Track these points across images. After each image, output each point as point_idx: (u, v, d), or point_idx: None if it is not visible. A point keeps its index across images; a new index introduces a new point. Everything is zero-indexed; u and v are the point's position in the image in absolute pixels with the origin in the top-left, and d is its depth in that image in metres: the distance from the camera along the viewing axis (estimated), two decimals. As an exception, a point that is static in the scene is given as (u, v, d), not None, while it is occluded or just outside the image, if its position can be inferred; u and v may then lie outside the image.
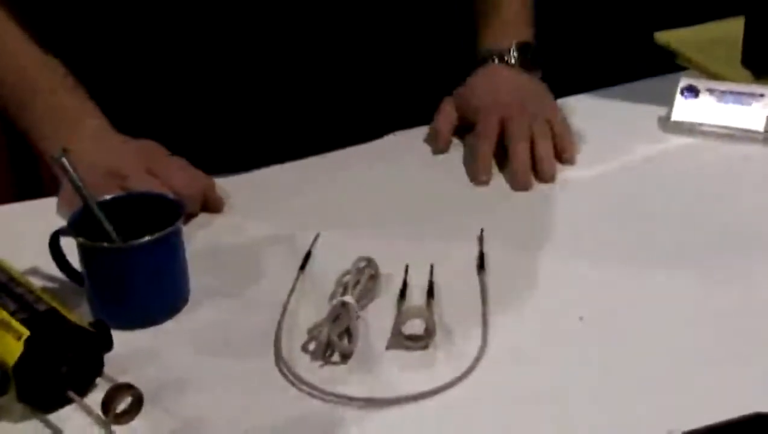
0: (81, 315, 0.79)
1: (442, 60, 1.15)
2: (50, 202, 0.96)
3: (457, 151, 1.06)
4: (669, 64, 1.19)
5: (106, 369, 0.74)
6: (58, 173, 0.83)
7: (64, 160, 0.80)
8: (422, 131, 1.09)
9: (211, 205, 0.96)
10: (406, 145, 1.07)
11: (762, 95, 1.03)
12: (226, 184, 0.99)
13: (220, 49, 1.04)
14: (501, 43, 1.10)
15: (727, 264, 0.86)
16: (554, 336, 0.79)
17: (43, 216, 0.92)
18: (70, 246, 0.81)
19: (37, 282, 0.84)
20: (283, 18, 1.03)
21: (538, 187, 0.99)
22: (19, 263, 0.83)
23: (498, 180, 1.00)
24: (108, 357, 0.75)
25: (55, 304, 0.75)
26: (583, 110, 1.10)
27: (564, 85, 1.13)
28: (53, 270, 0.84)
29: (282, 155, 1.04)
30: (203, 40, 1.03)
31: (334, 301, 0.80)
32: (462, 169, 1.02)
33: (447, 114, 1.07)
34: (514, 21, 1.13)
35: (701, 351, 0.76)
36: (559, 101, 1.10)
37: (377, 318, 0.80)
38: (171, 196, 0.85)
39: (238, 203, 0.98)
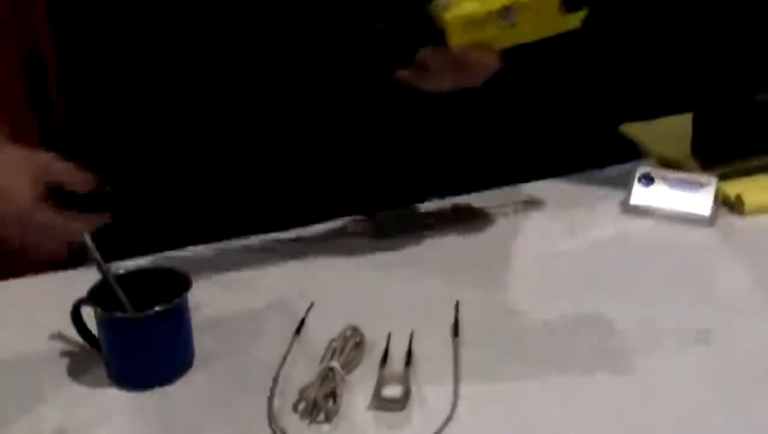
0: (98, 376, 0.79)
1: (430, 147, 1.14)
2: (77, 274, 0.94)
3: (438, 232, 1.04)
4: (633, 152, 1.18)
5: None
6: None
7: (87, 239, 0.80)
8: (408, 209, 1.08)
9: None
10: (394, 220, 1.06)
11: (708, 184, 1.03)
12: (228, 252, 0.98)
13: (226, 132, 1.02)
14: None
15: (679, 329, 0.85)
16: (519, 401, 0.77)
17: (72, 286, 0.91)
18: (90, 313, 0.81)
19: (60, 346, 0.84)
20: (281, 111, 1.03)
21: (512, 262, 0.98)
22: (49, 328, 0.84)
23: (474, 258, 0.99)
24: (117, 416, 0.75)
25: None
26: (555, 192, 1.10)
27: (540, 170, 1.13)
28: (76, 334, 0.84)
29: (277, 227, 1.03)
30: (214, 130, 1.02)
31: (322, 365, 0.79)
32: (442, 246, 1.01)
33: None
34: None
35: (658, 414, 0.76)
36: (535, 184, 1.11)
37: (361, 382, 0.79)
38: (180, 269, 0.83)
39: (240, 271, 0.96)
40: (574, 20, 0.89)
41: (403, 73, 0.87)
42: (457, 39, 0.86)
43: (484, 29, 0.87)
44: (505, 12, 0.87)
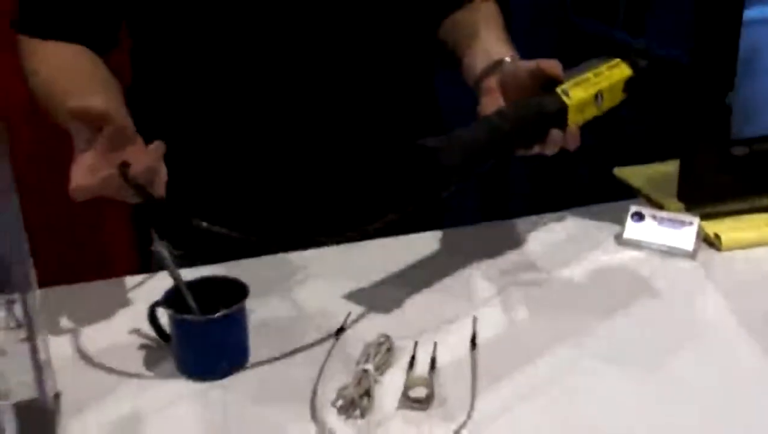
0: (168, 367, 0.83)
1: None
2: (154, 279, 0.97)
3: (461, 252, 1.05)
4: (626, 192, 1.20)
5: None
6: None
7: (162, 250, 0.83)
8: (434, 234, 1.09)
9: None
10: (422, 243, 1.07)
11: (691, 223, 1.06)
12: (282, 266, 1.00)
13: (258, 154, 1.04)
14: (507, 51, 1.03)
15: (660, 354, 0.88)
16: (530, 404, 0.80)
17: (150, 290, 0.94)
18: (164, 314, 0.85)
19: (138, 340, 0.88)
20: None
21: (522, 285, 0.99)
22: (131, 324, 0.89)
23: (490, 281, 1.00)
24: (183, 402, 0.79)
25: None
26: (558, 226, 1.13)
27: (547, 205, 1.16)
28: (152, 331, 0.87)
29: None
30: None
31: (358, 368, 0.82)
32: (464, 269, 1.01)
33: (495, 98, 0.97)
34: (505, 39, 1.07)
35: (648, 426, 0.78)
36: (542, 216, 1.13)
37: (391, 383, 0.83)
38: (239, 279, 0.85)
39: (291, 283, 0.99)
40: (623, 96, 1.00)
41: (537, 147, 0.95)
42: (573, 120, 0.95)
43: (584, 111, 0.97)
44: (599, 96, 0.97)
